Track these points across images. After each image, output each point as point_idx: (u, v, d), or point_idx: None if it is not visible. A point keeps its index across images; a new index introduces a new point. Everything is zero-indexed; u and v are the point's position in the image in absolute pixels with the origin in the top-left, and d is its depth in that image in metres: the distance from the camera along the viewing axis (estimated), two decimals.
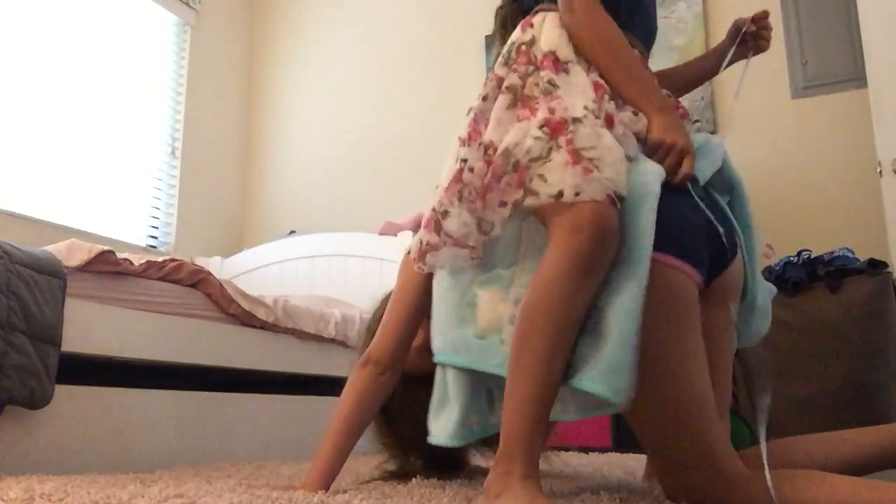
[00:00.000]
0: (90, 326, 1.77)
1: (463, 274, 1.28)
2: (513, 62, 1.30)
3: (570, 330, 1.09)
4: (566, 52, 1.27)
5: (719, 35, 1.66)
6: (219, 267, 3.60)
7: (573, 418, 1.16)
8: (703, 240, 1.21)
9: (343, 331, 2.60)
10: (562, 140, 1.13)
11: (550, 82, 1.22)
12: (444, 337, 1.28)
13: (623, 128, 1.21)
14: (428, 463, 1.60)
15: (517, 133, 1.18)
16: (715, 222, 1.24)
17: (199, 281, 2.14)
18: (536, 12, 1.37)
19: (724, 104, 3.13)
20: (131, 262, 1.94)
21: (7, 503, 1.09)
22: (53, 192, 3.08)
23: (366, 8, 4.08)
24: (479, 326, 1.24)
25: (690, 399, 1.12)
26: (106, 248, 1.85)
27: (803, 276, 2.43)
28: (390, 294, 1.61)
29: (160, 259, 2.08)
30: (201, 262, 3.36)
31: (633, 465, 1.95)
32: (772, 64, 3.08)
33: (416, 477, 1.49)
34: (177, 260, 2.11)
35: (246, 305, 2.23)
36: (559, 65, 1.24)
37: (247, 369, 2.26)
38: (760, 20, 1.54)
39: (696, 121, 1.48)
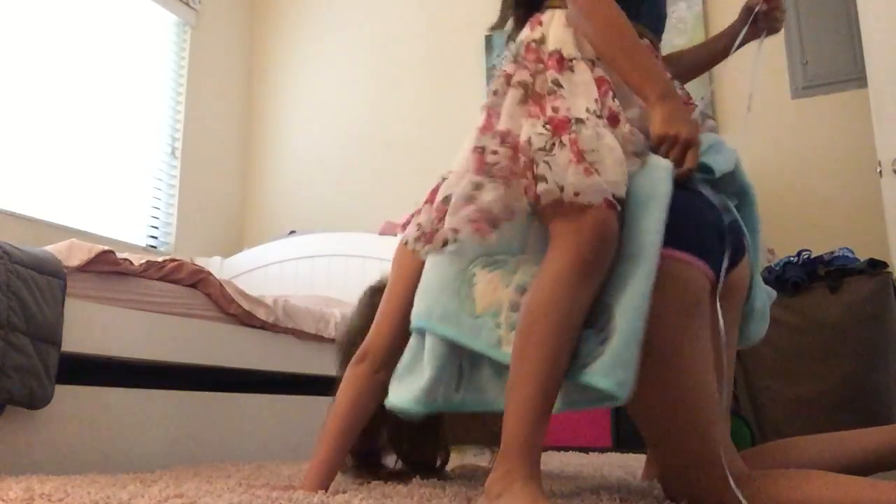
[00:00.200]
0: (90, 326, 1.77)
1: (464, 250, 1.28)
2: (521, 59, 1.30)
3: (571, 330, 1.10)
4: (571, 49, 1.28)
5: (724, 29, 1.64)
6: (219, 267, 3.60)
7: (575, 409, 1.16)
8: (716, 237, 1.21)
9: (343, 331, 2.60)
10: (565, 138, 1.14)
11: (555, 82, 1.23)
12: (431, 305, 1.27)
13: (629, 126, 1.20)
14: (404, 463, 1.60)
15: (528, 129, 1.19)
16: (728, 224, 1.25)
17: (199, 281, 2.14)
18: (545, 9, 1.37)
19: (725, 102, 3.13)
20: (131, 262, 1.94)
21: (7, 503, 1.09)
22: (53, 192, 3.08)
23: (366, 8, 4.08)
24: (476, 306, 1.24)
25: (697, 394, 1.12)
26: (106, 248, 1.85)
27: (803, 276, 2.43)
28: (375, 287, 1.61)
29: (160, 259, 2.08)
30: (201, 262, 3.35)
31: (633, 465, 1.95)
32: (772, 64, 3.08)
33: (416, 477, 1.49)
34: (177, 260, 2.11)
35: (246, 305, 2.23)
36: (564, 63, 1.25)
37: (247, 369, 2.26)
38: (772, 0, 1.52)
39: (709, 117, 1.45)
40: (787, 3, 3.11)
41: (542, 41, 1.31)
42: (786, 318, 2.37)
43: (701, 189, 1.24)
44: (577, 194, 1.10)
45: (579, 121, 1.16)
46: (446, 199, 1.27)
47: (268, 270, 3.58)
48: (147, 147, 3.59)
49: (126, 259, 1.93)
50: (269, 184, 4.14)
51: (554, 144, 1.14)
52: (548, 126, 1.16)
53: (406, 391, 1.25)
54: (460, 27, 3.79)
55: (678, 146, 1.17)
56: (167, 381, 2.03)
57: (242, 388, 2.26)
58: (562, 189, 1.11)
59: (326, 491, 1.28)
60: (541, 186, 1.13)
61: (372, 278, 1.70)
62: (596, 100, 1.21)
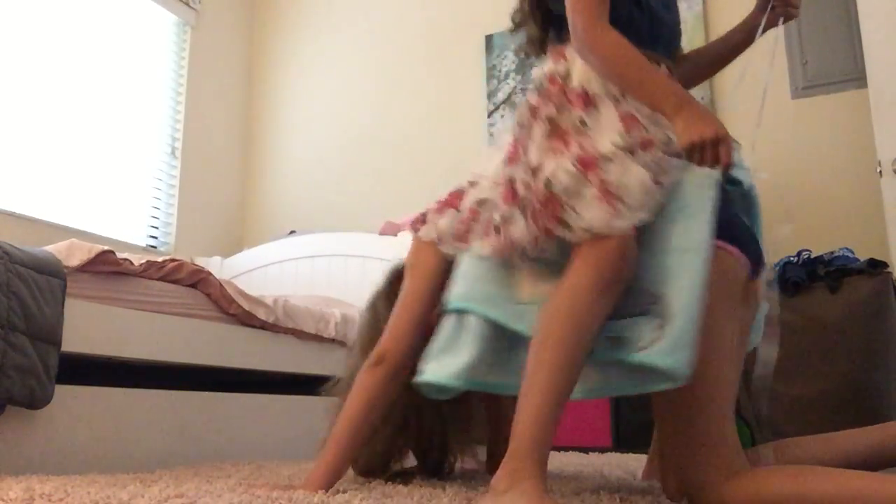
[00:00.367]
0: (90, 326, 1.77)
1: None
2: (547, 92, 1.31)
3: (586, 339, 1.14)
4: (595, 86, 1.29)
5: (719, 34, 1.64)
6: (219, 267, 3.60)
7: (613, 393, 1.21)
8: (753, 237, 1.28)
9: (343, 331, 2.60)
10: (593, 177, 1.17)
11: (581, 121, 1.25)
12: (472, 288, 1.30)
13: (660, 150, 1.22)
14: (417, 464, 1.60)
15: (552, 164, 1.21)
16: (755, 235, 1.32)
17: (199, 281, 2.14)
18: (567, 41, 1.35)
19: (725, 100, 3.13)
20: (131, 262, 1.94)
21: (7, 503, 1.09)
22: (53, 192, 3.08)
23: (366, 8, 4.08)
24: (520, 294, 1.27)
25: (720, 380, 1.17)
26: (106, 248, 1.85)
27: (803, 276, 2.43)
28: (395, 270, 1.59)
29: (160, 259, 2.08)
30: (201, 262, 3.35)
31: (633, 465, 1.95)
32: (772, 64, 3.07)
33: (416, 476, 1.49)
34: (177, 260, 2.11)
35: (246, 305, 2.23)
36: (589, 100, 1.26)
37: (247, 369, 2.26)
38: None
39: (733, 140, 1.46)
40: None
41: (566, 76, 1.31)
42: (786, 318, 2.37)
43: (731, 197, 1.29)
44: (607, 226, 1.15)
45: (606, 158, 1.19)
46: (480, 203, 1.30)
47: (268, 270, 3.57)
48: (147, 147, 3.59)
49: (126, 259, 1.93)
50: (269, 184, 4.14)
51: (582, 185, 1.17)
52: (577, 164, 1.19)
53: (444, 368, 1.27)
54: (460, 27, 3.79)
55: (707, 147, 1.17)
56: (167, 381, 2.03)
57: (242, 388, 2.26)
58: (591, 229, 1.15)
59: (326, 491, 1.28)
60: (561, 231, 1.17)
61: (372, 278, 1.69)
62: (620, 133, 1.22)
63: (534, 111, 1.30)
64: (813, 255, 2.53)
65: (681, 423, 1.18)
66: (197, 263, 2.23)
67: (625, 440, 2.68)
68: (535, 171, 1.24)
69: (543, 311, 1.17)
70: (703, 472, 1.14)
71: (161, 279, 2.04)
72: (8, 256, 1.57)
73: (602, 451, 2.62)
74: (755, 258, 1.29)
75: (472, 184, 1.39)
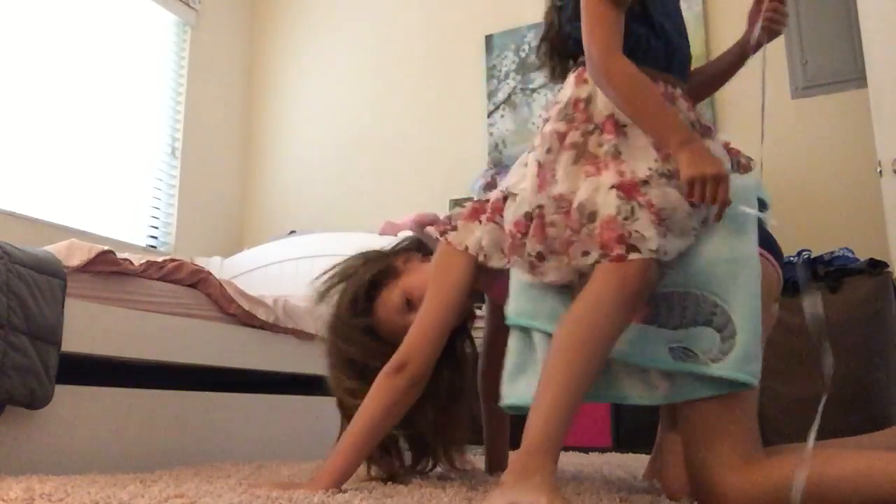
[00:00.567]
0: (90, 326, 1.77)
1: None
2: (571, 118, 1.31)
3: (603, 349, 1.17)
4: (623, 115, 1.28)
5: (719, 35, 1.65)
6: (219, 267, 3.60)
7: (659, 402, 1.27)
8: (782, 253, 1.37)
9: None
10: (641, 200, 1.19)
11: (615, 147, 1.25)
12: (537, 304, 1.33)
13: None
14: (413, 461, 1.60)
15: (588, 188, 1.22)
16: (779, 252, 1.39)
17: (199, 281, 2.14)
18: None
19: (726, 101, 3.14)
20: (131, 262, 1.94)
21: (7, 503, 1.09)
22: (53, 192, 3.08)
23: (366, 8, 4.09)
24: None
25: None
26: (106, 248, 1.85)
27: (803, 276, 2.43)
28: (364, 253, 1.60)
29: (160, 259, 2.07)
30: (201, 262, 3.35)
31: (633, 465, 1.95)
32: (772, 64, 3.07)
33: (417, 476, 1.49)
34: (177, 260, 2.11)
35: (246, 305, 2.23)
36: (619, 129, 1.26)
37: (247, 369, 2.26)
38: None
39: (748, 158, 1.50)
40: (788, 3, 3.11)
41: (589, 100, 1.31)
42: (786, 318, 2.37)
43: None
44: (661, 248, 1.18)
45: (645, 182, 1.20)
46: (528, 216, 1.30)
47: (268, 270, 3.57)
48: (147, 147, 3.59)
49: (126, 259, 1.93)
50: (269, 184, 4.14)
51: (633, 208, 1.18)
52: (620, 192, 1.20)
53: (525, 391, 1.29)
54: (460, 27, 3.80)
55: (708, 184, 1.19)
56: (167, 381, 2.03)
57: (242, 388, 2.25)
58: (657, 251, 1.17)
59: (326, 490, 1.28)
60: (633, 255, 1.17)
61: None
62: (656, 159, 1.23)
63: (561, 138, 1.30)
64: (813, 255, 2.52)
65: (713, 421, 1.20)
66: (197, 263, 2.23)
67: (625, 440, 2.68)
68: (561, 201, 1.25)
69: (564, 320, 1.20)
70: (725, 461, 1.16)
71: (161, 279, 2.04)
72: (8, 256, 1.57)
73: (602, 451, 2.62)
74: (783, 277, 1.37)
75: (509, 196, 1.36)
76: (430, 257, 1.55)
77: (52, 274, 1.65)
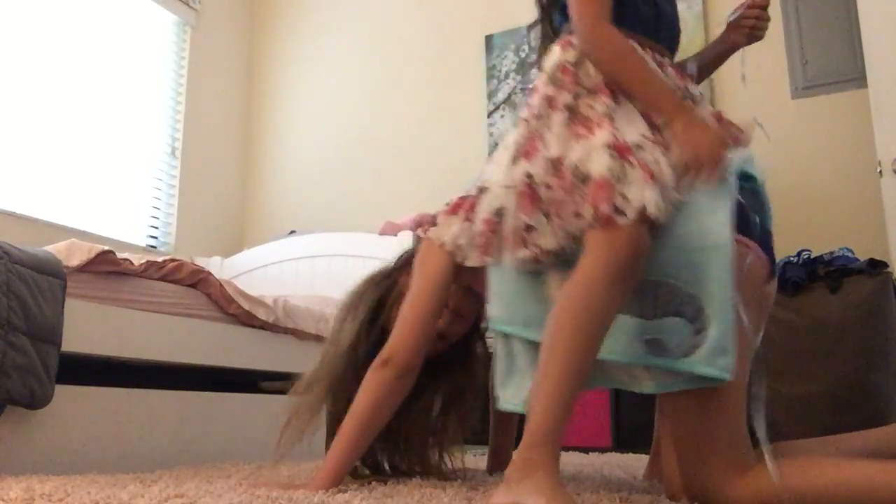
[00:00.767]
0: (90, 326, 1.77)
1: None
2: (560, 81, 1.30)
3: (599, 332, 1.14)
4: None
5: (719, 35, 1.64)
6: (219, 267, 3.60)
7: (668, 390, 1.22)
8: (769, 237, 1.29)
9: None
10: (633, 160, 1.17)
11: (608, 108, 1.24)
12: (513, 309, 1.31)
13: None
14: (401, 464, 1.60)
15: (582, 149, 1.20)
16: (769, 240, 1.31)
17: (199, 281, 2.14)
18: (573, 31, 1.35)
19: (724, 96, 3.13)
20: (131, 262, 1.94)
21: (7, 503, 1.09)
22: (53, 192, 3.08)
23: (366, 8, 4.09)
24: (551, 304, 1.26)
25: (735, 382, 1.16)
26: (106, 248, 1.85)
27: (803, 276, 2.43)
28: (372, 276, 1.60)
29: (160, 259, 2.07)
30: (201, 262, 3.35)
31: (633, 465, 1.95)
32: (772, 64, 3.08)
33: (416, 476, 1.49)
34: (177, 260, 2.11)
35: (246, 305, 2.23)
36: (613, 93, 1.26)
37: (247, 369, 2.26)
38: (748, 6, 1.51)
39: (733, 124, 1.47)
40: (788, 2, 3.11)
41: (577, 64, 1.30)
42: (786, 318, 2.37)
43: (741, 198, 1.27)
44: (656, 206, 1.13)
45: (638, 146, 1.19)
46: (497, 214, 1.29)
47: (268, 270, 3.57)
48: (147, 147, 3.59)
49: (126, 259, 1.93)
50: (269, 184, 4.14)
51: (625, 168, 1.16)
52: (613, 152, 1.17)
53: (517, 395, 1.30)
54: (460, 27, 3.80)
55: (705, 148, 1.18)
56: (167, 381, 2.03)
57: (242, 388, 2.25)
58: (644, 209, 1.13)
59: (326, 490, 1.28)
60: (621, 219, 1.14)
61: None
62: (647, 128, 1.22)
63: (550, 101, 1.29)
64: (813, 255, 2.52)
65: (694, 424, 1.18)
66: (197, 263, 2.23)
67: (625, 440, 2.68)
68: (556, 164, 1.22)
69: (557, 303, 1.16)
70: (715, 471, 1.14)
71: (161, 279, 2.04)
72: (8, 256, 1.57)
73: (602, 451, 2.62)
74: (771, 258, 1.30)
75: (482, 190, 1.36)
76: None
77: (52, 274, 1.65)
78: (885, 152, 2.41)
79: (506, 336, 1.34)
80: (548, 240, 1.23)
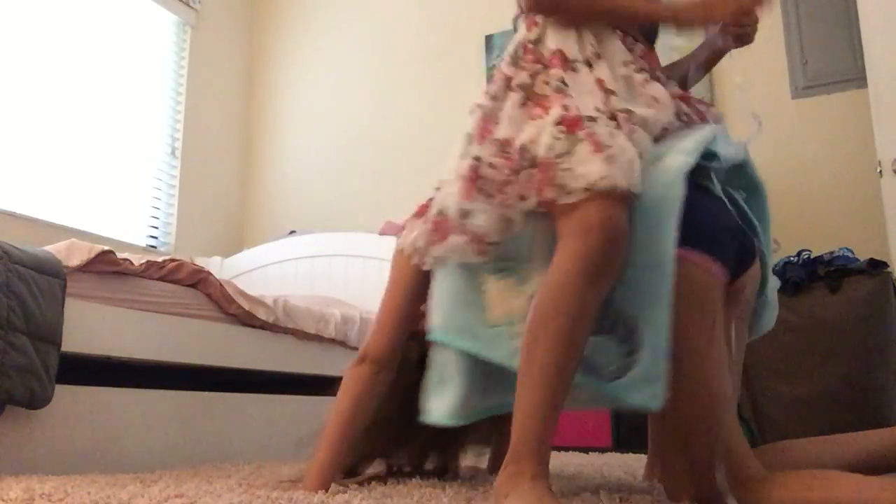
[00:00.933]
0: (90, 326, 1.77)
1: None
2: (521, 60, 1.29)
3: (580, 333, 1.09)
4: (574, 51, 1.27)
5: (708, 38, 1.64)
6: (219, 267, 3.60)
7: (601, 407, 1.18)
8: (728, 239, 1.21)
9: (343, 331, 2.60)
10: (581, 133, 1.13)
11: (562, 81, 1.22)
12: (447, 318, 1.29)
13: (629, 125, 1.19)
14: (416, 464, 1.60)
15: (532, 130, 1.17)
16: (742, 226, 1.25)
17: (199, 281, 2.14)
18: None
19: (724, 97, 3.13)
20: (131, 262, 1.94)
21: (7, 503, 1.09)
22: (53, 192, 3.08)
23: (366, 8, 4.08)
24: (490, 315, 1.24)
25: (710, 395, 1.12)
26: (106, 248, 1.85)
27: (803, 276, 2.43)
28: None
29: (160, 259, 2.08)
30: (201, 262, 3.35)
31: (633, 465, 1.95)
32: (772, 64, 3.08)
33: (416, 476, 1.49)
34: (177, 260, 2.11)
35: (246, 305, 2.23)
36: (567, 63, 1.24)
37: (247, 369, 2.26)
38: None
39: (712, 105, 1.44)
40: (788, 2, 3.11)
41: (538, 41, 1.30)
42: (786, 318, 2.37)
43: (709, 185, 1.24)
44: (604, 178, 1.08)
45: (591, 119, 1.15)
46: (441, 213, 1.27)
47: (268, 270, 3.57)
48: (147, 147, 3.59)
49: (126, 259, 1.93)
50: (269, 184, 4.14)
51: (572, 143, 1.12)
52: (562, 126, 1.14)
53: (443, 406, 1.28)
54: (460, 27, 3.79)
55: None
56: (167, 381, 2.03)
57: (242, 388, 2.25)
58: (591, 186, 1.08)
59: (327, 491, 1.28)
60: (563, 198, 1.10)
61: (372, 278, 1.70)
62: (603, 101, 1.20)
63: (508, 81, 1.28)
64: (813, 255, 2.52)
65: (682, 438, 1.15)
66: (197, 263, 2.23)
67: (625, 440, 2.68)
68: (504, 144, 1.20)
69: (532, 307, 1.12)
70: (708, 480, 1.12)
71: (161, 279, 2.04)
72: (8, 256, 1.57)
73: (602, 451, 2.62)
74: (742, 252, 1.24)
75: (437, 189, 1.35)
76: None
77: (52, 274, 1.65)
78: (885, 152, 2.41)
79: (442, 345, 1.31)
80: (479, 220, 1.19)
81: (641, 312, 1.10)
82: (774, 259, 2.53)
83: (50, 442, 1.65)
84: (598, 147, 1.10)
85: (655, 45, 1.44)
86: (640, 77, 1.27)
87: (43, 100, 3.08)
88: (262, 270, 3.58)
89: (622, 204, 1.09)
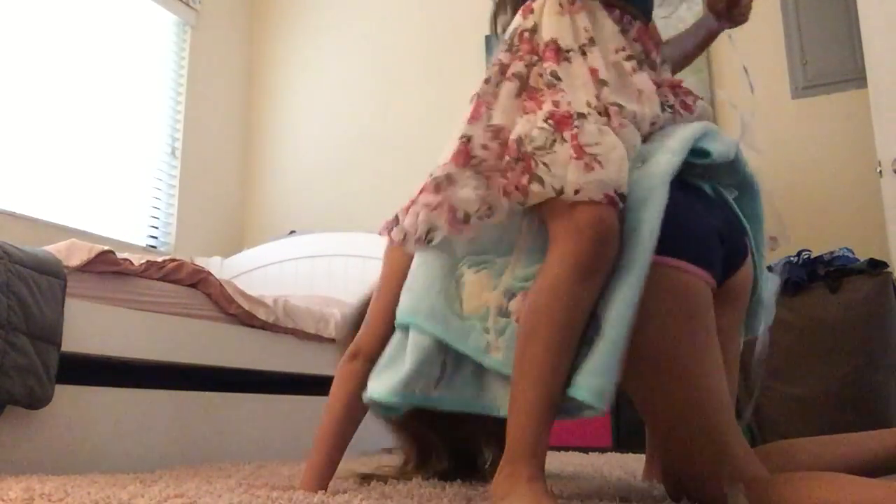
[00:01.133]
0: (90, 326, 1.77)
1: (451, 247, 1.27)
2: (516, 49, 1.29)
3: (572, 333, 1.09)
4: (568, 40, 1.26)
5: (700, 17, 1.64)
6: (219, 267, 3.60)
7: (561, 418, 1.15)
8: (716, 241, 1.19)
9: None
10: (567, 134, 1.12)
11: (553, 74, 1.21)
12: (418, 301, 1.26)
13: (619, 119, 1.18)
14: (452, 465, 1.59)
15: (525, 125, 1.17)
16: (731, 225, 1.24)
17: (199, 281, 2.14)
18: None
19: (725, 105, 3.13)
20: (131, 262, 1.94)
21: (7, 503, 1.09)
22: (53, 192, 3.08)
23: (366, 8, 4.08)
24: (464, 306, 1.23)
25: (706, 400, 1.12)
26: (106, 248, 1.85)
27: (803, 276, 2.43)
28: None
29: (160, 259, 2.08)
30: (201, 262, 3.35)
31: (633, 465, 1.95)
32: (772, 64, 3.08)
33: (416, 477, 1.49)
34: (177, 260, 2.11)
35: (246, 305, 2.23)
36: (560, 54, 1.23)
37: (247, 369, 2.26)
38: None
39: (700, 98, 1.44)
40: (788, 2, 3.11)
41: (534, 30, 1.29)
42: (786, 318, 2.37)
43: (697, 183, 1.24)
44: (577, 191, 1.08)
45: (581, 115, 1.14)
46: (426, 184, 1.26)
47: (268, 270, 3.57)
48: (147, 147, 3.59)
49: (126, 259, 1.93)
50: (269, 184, 4.14)
51: (555, 141, 1.12)
52: (550, 121, 1.14)
53: (384, 383, 1.24)
54: (460, 27, 3.79)
55: None
56: (167, 381, 2.03)
57: (242, 388, 2.25)
58: (560, 191, 1.09)
59: (325, 491, 1.28)
60: (535, 187, 1.11)
61: (372, 278, 1.70)
62: (595, 94, 1.19)
63: (504, 69, 1.27)
64: (813, 255, 2.52)
65: (679, 441, 1.15)
66: (197, 263, 2.23)
67: (625, 440, 2.68)
68: (496, 132, 1.20)
69: (526, 307, 1.12)
70: (710, 484, 1.10)
71: (161, 279, 2.04)
72: (8, 256, 1.57)
73: (602, 451, 2.62)
74: (733, 252, 1.23)
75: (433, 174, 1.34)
76: None
77: (52, 274, 1.65)
78: (885, 152, 2.41)
79: (405, 328, 1.28)
80: (464, 191, 1.17)
81: (607, 313, 1.08)
82: (774, 258, 2.55)
83: (50, 442, 1.65)
84: (579, 153, 1.10)
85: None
86: (628, 66, 1.26)
87: (43, 100, 3.08)
88: (262, 270, 3.58)
89: (612, 204, 1.09)
